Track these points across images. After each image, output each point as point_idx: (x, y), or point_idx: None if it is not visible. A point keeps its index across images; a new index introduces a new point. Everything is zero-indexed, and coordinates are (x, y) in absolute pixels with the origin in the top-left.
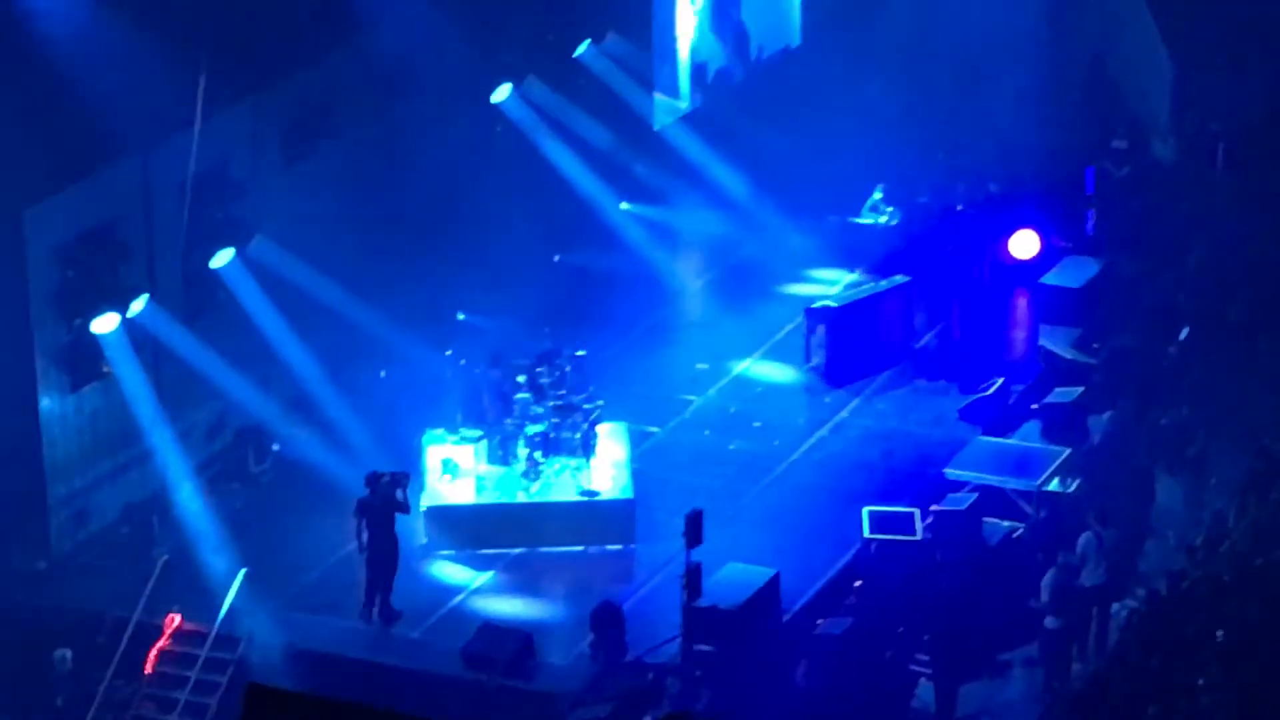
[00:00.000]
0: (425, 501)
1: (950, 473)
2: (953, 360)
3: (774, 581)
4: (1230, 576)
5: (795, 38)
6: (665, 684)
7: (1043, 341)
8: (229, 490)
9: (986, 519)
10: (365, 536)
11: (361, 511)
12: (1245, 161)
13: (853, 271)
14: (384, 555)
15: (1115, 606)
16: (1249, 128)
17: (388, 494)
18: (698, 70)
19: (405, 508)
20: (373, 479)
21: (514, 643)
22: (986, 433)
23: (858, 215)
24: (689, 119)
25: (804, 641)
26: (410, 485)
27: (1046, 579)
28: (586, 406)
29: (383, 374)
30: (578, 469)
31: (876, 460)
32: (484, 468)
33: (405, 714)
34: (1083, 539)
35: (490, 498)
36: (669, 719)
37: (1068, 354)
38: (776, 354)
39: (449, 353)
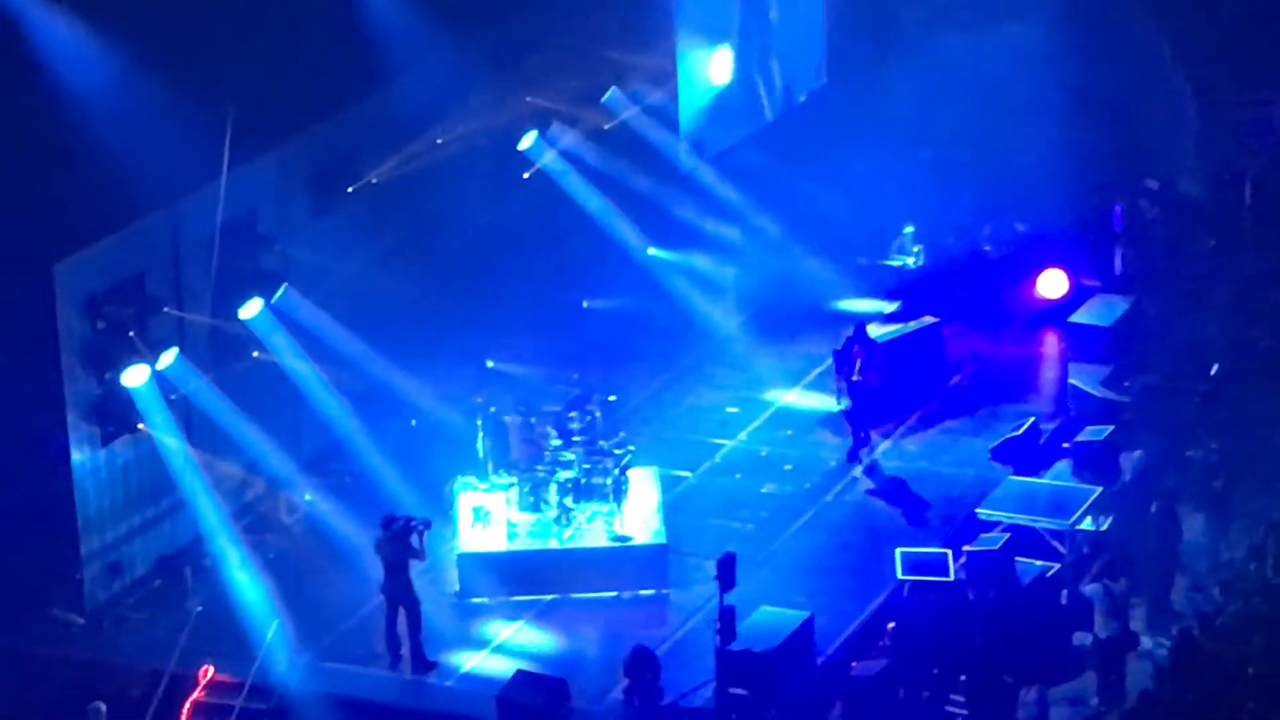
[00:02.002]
0: (458, 549)
1: (982, 513)
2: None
3: (808, 624)
4: (1262, 610)
5: (822, 78)
6: None
7: (1072, 380)
8: (261, 541)
9: (1019, 559)
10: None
11: (378, 552)
12: (1273, 197)
13: (893, 301)
14: (397, 600)
15: (1150, 644)
16: (1276, 163)
17: (402, 538)
18: (725, 112)
19: (420, 554)
20: (387, 521)
21: (548, 689)
22: (1018, 472)
23: (886, 257)
24: (717, 161)
25: (838, 684)
26: (442, 533)
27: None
28: (617, 452)
29: (413, 422)
30: (609, 514)
31: (908, 502)
32: (515, 514)
33: None
34: (1090, 590)
35: (522, 544)
36: None
37: (1098, 392)
38: (808, 395)
39: (479, 400)
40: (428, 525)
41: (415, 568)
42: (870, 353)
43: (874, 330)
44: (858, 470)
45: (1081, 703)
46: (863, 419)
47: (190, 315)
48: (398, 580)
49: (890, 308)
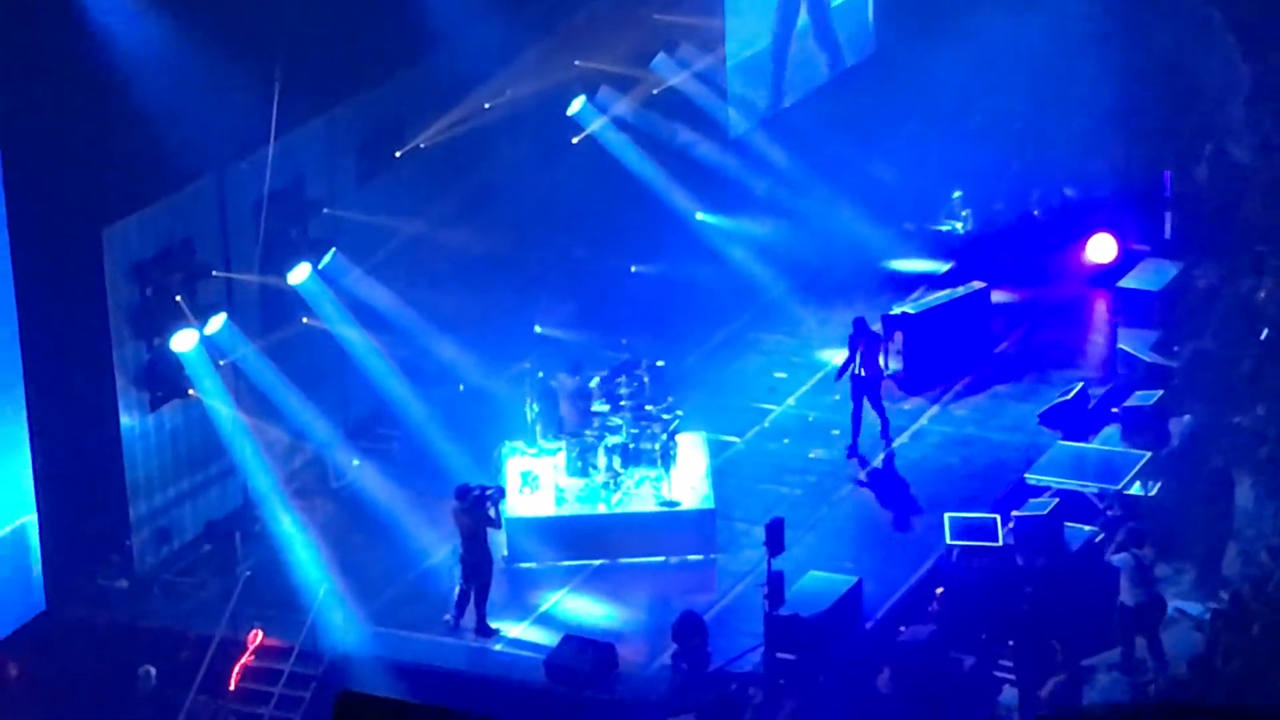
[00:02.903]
0: (506, 514)
1: (1031, 478)
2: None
3: (856, 589)
4: None
5: (871, 46)
6: (748, 693)
7: (1122, 345)
8: (310, 506)
9: (1068, 524)
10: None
11: (456, 523)
12: None
13: (946, 261)
14: (473, 568)
15: (1199, 609)
16: None
17: (478, 508)
18: (774, 76)
19: (496, 523)
20: (461, 492)
21: (597, 654)
22: (1066, 438)
23: (935, 222)
24: (766, 126)
25: (887, 649)
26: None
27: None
28: (666, 417)
29: (461, 388)
30: (658, 479)
31: (956, 466)
32: (564, 479)
33: None
34: (1118, 559)
35: (570, 509)
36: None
37: (1147, 357)
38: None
39: (527, 365)
40: (502, 493)
41: (491, 536)
42: (872, 347)
43: (923, 296)
44: (904, 436)
45: (1127, 668)
46: (865, 410)
47: (238, 275)
48: (475, 548)
49: (944, 268)
